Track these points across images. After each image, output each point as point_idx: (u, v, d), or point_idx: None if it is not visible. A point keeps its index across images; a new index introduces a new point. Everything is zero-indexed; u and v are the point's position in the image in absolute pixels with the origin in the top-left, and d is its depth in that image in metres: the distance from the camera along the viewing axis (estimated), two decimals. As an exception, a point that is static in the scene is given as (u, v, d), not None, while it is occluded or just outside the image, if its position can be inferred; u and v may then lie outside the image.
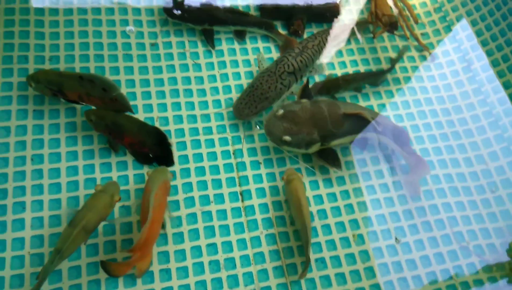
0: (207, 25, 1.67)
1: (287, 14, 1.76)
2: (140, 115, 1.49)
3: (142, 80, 1.57)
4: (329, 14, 1.78)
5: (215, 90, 1.61)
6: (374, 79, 1.66)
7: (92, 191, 1.33)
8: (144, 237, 1.16)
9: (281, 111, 1.44)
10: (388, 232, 1.42)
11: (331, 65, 1.71)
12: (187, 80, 1.61)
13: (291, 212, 1.39)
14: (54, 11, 1.63)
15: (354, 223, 1.43)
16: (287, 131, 1.42)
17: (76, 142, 1.43)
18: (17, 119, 1.42)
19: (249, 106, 1.50)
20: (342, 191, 1.48)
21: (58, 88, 1.38)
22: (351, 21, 1.79)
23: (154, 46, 1.64)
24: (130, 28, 1.64)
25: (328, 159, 1.48)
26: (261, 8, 1.77)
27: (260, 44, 1.72)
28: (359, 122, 1.47)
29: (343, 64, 1.72)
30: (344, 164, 1.52)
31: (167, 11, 1.64)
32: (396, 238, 1.41)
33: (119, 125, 1.38)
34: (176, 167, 1.44)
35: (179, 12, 1.64)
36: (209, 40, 1.68)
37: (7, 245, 1.25)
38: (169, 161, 1.43)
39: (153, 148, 1.42)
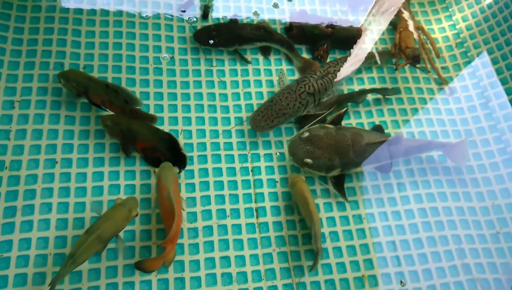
0: (237, 45, 1.75)
1: (311, 39, 1.82)
2: (166, 127, 1.56)
3: (169, 94, 1.63)
4: (353, 41, 1.83)
5: (238, 107, 1.67)
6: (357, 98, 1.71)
7: (114, 197, 1.40)
8: (176, 229, 1.26)
9: (306, 134, 1.50)
10: (398, 259, 1.46)
11: (351, 91, 1.76)
12: (212, 96, 1.67)
13: (301, 212, 1.46)
14: (91, 22, 1.71)
15: (365, 247, 1.46)
16: (309, 154, 1.48)
17: (103, 149, 1.49)
18: (50, 123, 1.49)
19: (265, 119, 1.56)
20: (355, 215, 1.51)
21: (85, 90, 1.47)
22: (374, 50, 1.84)
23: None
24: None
25: (339, 186, 1.53)
26: (287, 31, 1.84)
27: (284, 66, 1.78)
28: (381, 149, 1.53)
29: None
30: (359, 189, 1.57)
31: (198, 38, 1.71)
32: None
33: (132, 131, 1.45)
34: (196, 180, 1.50)
35: (211, 41, 1.70)
36: (242, 58, 1.76)
37: (32, 243, 1.31)
38: (181, 165, 1.48)
39: (166, 153, 1.47)
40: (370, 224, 1.51)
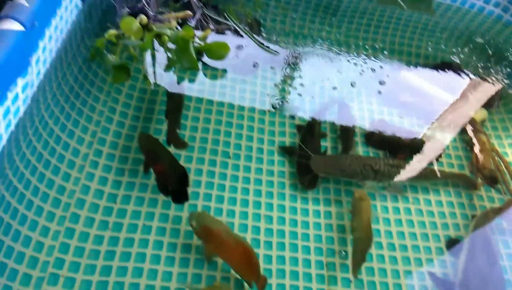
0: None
1: (391, 147, 1.93)
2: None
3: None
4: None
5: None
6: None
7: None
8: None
9: None
10: None
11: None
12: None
13: (353, 229, 1.58)
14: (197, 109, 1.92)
15: None
16: None
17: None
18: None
19: (325, 162, 1.72)
20: None
21: None
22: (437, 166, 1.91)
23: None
24: None
25: None
26: (367, 137, 1.96)
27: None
28: None
29: (428, 202, 1.80)
30: None
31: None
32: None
33: (158, 152, 1.61)
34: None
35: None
36: None
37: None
38: (182, 198, 1.56)
39: (173, 183, 1.57)
40: None
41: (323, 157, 1.79)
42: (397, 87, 2.20)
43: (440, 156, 1.94)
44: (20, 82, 1.31)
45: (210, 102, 1.93)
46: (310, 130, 1.89)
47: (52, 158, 1.51)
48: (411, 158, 1.92)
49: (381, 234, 1.65)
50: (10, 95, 1.25)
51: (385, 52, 2.37)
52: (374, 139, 1.95)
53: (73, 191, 1.50)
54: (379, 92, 2.12)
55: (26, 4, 1.25)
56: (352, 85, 2.12)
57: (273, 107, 1.97)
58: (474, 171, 1.87)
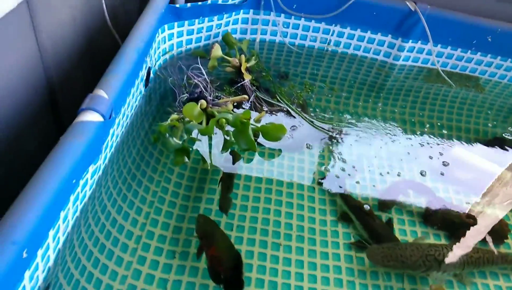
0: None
1: (451, 227, 1.82)
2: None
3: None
4: (496, 235, 1.80)
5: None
6: None
7: None
8: None
9: None
10: None
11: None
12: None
13: None
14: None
15: None
16: None
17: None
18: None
19: (383, 255, 1.57)
20: None
21: None
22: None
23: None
24: None
25: None
26: (425, 217, 1.86)
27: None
28: None
29: (499, 288, 1.66)
30: None
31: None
32: None
33: (213, 236, 1.54)
34: None
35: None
36: None
37: None
38: (236, 288, 1.45)
39: (227, 271, 1.47)
40: None
41: (380, 248, 1.65)
42: (451, 163, 2.13)
43: (506, 237, 1.80)
44: (91, 168, 1.35)
45: (259, 179, 1.92)
46: (370, 213, 1.82)
47: (107, 242, 1.50)
48: (474, 240, 1.81)
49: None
50: (81, 182, 1.29)
51: (434, 128, 2.35)
52: (433, 219, 1.85)
53: (125, 276, 1.47)
54: (431, 168, 2.06)
55: (106, 96, 1.32)
56: (401, 159, 2.08)
57: (321, 184, 1.94)
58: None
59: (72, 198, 1.23)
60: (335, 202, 1.88)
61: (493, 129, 2.42)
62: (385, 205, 1.88)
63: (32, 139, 1.67)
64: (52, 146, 1.20)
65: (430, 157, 2.11)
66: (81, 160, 1.16)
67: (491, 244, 1.77)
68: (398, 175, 2.01)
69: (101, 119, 1.27)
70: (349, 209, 1.84)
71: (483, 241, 1.79)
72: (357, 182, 1.96)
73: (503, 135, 2.36)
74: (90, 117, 1.23)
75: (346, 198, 1.88)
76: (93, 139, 1.22)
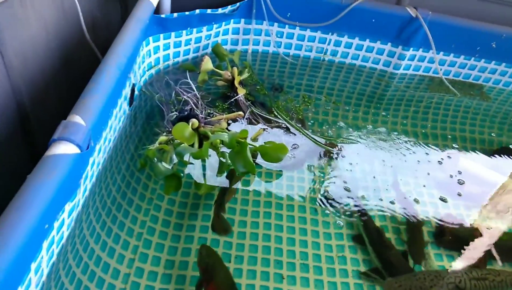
0: None
1: (466, 245, 1.69)
2: None
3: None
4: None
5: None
6: None
7: None
8: None
9: None
10: None
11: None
12: None
13: None
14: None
15: None
16: None
17: None
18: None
19: (401, 289, 1.45)
20: None
21: None
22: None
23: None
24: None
25: None
26: (437, 236, 1.72)
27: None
28: None
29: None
30: None
31: None
32: None
33: (215, 271, 1.39)
34: None
35: None
36: None
37: None
38: None
39: None
40: None
41: (398, 281, 1.51)
42: (466, 180, 2.00)
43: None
44: (67, 207, 1.17)
45: (257, 202, 1.77)
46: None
47: (91, 284, 1.32)
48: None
49: None
50: (56, 224, 1.10)
51: (438, 138, 2.23)
52: (445, 238, 1.72)
53: (111, 324, 1.30)
54: (438, 182, 1.94)
55: (83, 123, 1.12)
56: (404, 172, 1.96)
57: (325, 205, 1.80)
58: None
59: (45, 244, 1.04)
60: (340, 225, 1.73)
61: (498, 138, 2.32)
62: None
63: (1, 174, 1.49)
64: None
65: (443, 171, 1.98)
66: (53, 201, 0.96)
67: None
68: (416, 201, 1.88)
69: (77, 150, 1.07)
70: (365, 233, 1.71)
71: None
72: (365, 203, 1.84)
73: (510, 146, 2.26)
74: (64, 149, 1.03)
75: (365, 221, 1.74)
76: (67, 175, 1.02)
